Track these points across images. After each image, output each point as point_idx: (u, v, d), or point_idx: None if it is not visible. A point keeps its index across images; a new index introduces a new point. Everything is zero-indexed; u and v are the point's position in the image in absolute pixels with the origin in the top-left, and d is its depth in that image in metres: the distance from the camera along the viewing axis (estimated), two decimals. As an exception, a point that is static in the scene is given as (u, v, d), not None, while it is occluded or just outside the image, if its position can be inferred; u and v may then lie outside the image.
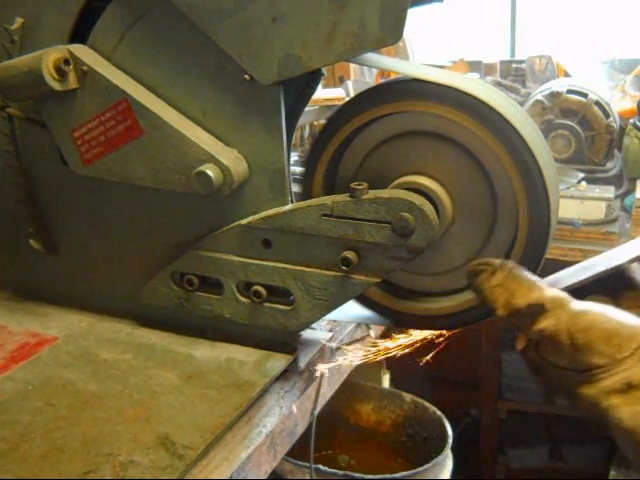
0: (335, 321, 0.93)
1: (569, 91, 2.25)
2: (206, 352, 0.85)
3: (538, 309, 0.63)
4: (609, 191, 1.98)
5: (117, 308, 0.94)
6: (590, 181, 2.08)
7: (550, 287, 0.66)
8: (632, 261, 0.75)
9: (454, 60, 2.93)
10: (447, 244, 0.80)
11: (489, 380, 2.31)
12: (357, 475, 1.54)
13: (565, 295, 0.64)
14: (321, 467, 1.53)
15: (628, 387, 0.57)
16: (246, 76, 0.74)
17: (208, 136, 0.78)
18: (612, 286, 0.74)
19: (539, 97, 2.25)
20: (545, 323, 0.62)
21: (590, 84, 2.32)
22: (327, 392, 0.91)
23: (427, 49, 3.33)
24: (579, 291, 0.72)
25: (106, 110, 0.79)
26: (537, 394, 2.25)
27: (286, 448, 0.80)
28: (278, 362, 0.83)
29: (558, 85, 2.30)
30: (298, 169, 1.28)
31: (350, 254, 0.75)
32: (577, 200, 1.92)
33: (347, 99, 0.92)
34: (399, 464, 1.82)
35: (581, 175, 2.11)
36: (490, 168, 0.76)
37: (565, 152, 2.20)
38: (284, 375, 0.83)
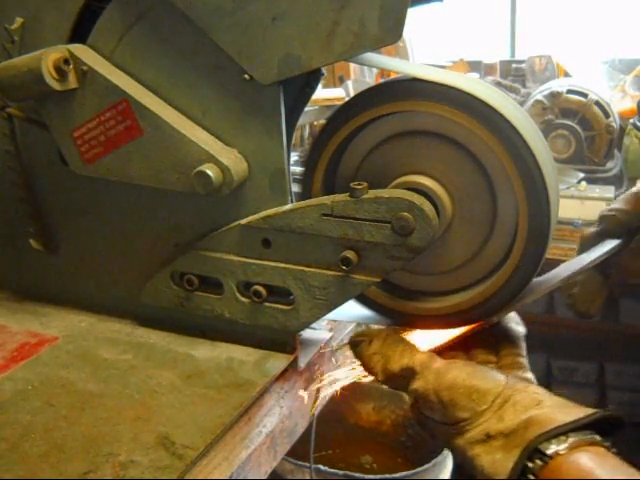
0: (335, 321, 0.93)
1: (569, 91, 2.25)
2: (206, 352, 0.85)
3: (409, 372, 0.69)
4: (609, 191, 1.98)
5: (117, 308, 0.94)
6: (590, 181, 2.09)
7: (420, 348, 0.72)
8: (562, 281, 0.78)
9: (454, 60, 2.94)
10: (447, 244, 0.80)
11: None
12: (357, 475, 1.54)
13: (433, 356, 0.70)
14: (321, 467, 1.53)
15: (487, 437, 0.62)
16: (246, 76, 0.74)
17: (208, 136, 0.78)
18: (493, 339, 0.79)
19: (539, 97, 2.26)
20: (416, 384, 0.69)
21: (590, 84, 2.32)
22: (327, 392, 0.91)
23: (427, 49, 3.34)
24: (463, 345, 0.79)
25: (106, 110, 0.79)
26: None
27: (286, 448, 0.80)
28: (278, 362, 0.83)
29: (558, 85, 2.30)
30: (298, 169, 1.28)
31: (350, 254, 0.75)
32: (577, 200, 1.92)
33: (347, 99, 0.92)
34: (399, 464, 1.82)
35: (581, 175, 2.11)
36: (490, 168, 0.76)
37: (565, 152, 2.20)
38: (284, 375, 0.83)
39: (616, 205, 0.88)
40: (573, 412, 0.61)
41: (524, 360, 0.76)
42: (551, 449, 0.58)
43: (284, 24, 0.71)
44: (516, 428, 0.61)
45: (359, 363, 0.77)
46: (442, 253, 0.80)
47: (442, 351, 0.76)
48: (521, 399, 0.63)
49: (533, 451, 0.59)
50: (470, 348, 0.78)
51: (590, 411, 0.61)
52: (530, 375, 0.73)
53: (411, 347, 0.73)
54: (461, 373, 0.67)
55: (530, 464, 0.58)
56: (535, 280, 0.78)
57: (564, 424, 0.59)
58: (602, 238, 0.87)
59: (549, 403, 0.62)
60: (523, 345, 0.78)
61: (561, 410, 0.61)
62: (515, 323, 0.81)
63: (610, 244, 0.85)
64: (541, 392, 0.65)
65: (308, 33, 0.70)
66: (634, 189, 0.89)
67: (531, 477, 0.58)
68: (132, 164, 0.81)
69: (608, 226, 0.87)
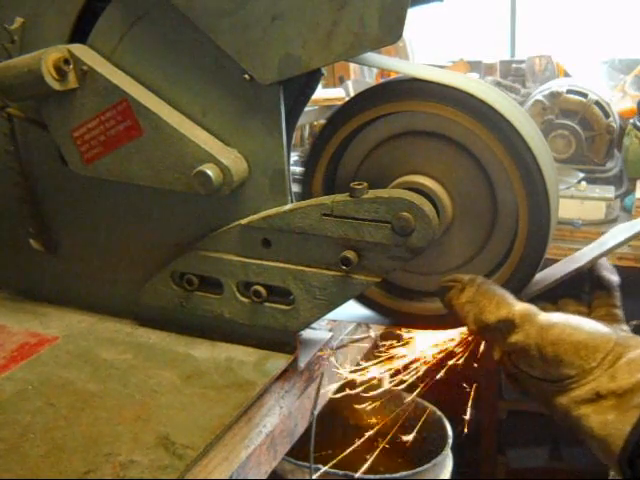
0: (335, 321, 0.93)
1: (569, 91, 2.25)
2: (206, 352, 0.85)
3: (508, 324, 0.65)
4: (609, 191, 1.98)
5: (117, 308, 0.94)
6: (590, 181, 2.08)
7: (519, 300, 0.68)
8: (590, 263, 0.74)
9: (454, 60, 2.93)
10: (447, 244, 0.80)
11: (489, 380, 2.31)
12: (357, 475, 1.54)
13: (533, 308, 0.66)
14: (321, 467, 1.53)
15: (597, 396, 0.59)
16: (246, 76, 0.74)
17: (208, 136, 0.78)
18: (582, 287, 0.74)
19: (539, 97, 2.26)
20: (515, 338, 0.64)
21: (590, 84, 2.32)
22: (327, 392, 0.91)
23: (427, 49, 3.33)
24: (550, 295, 0.74)
25: (106, 110, 0.79)
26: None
27: (286, 448, 0.80)
28: (278, 362, 0.83)
29: (558, 85, 2.30)
30: (298, 169, 1.28)
31: (350, 254, 0.75)
32: (577, 200, 1.92)
33: (347, 99, 0.92)
34: (399, 464, 1.82)
35: (581, 175, 2.11)
36: (490, 168, 0.76)
37: (565, 152, 2.20)
38: (284, 375, 0.83)
39: None
40: None
41: (619, 312, 0.71)
42: None
43: (284, 24, 0.71)
44: (632, 388, 0.58)
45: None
46: (442, 253, 0.80)
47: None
48: (636, 357, 0.59)
49: None
50: (558, 297, 0.74)
51: None
52: (626, 328, 0.69)
53: (508, 297, 0.67)
54: (567, 327, 0.62)
55: None
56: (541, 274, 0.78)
57: None
58: None
59: None
60: (617, 295, 0.73)
61: None
62: (608, 271, 0.75)
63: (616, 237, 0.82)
64: None
65: (308, 33, 0.70)
66: None
67: None
68: (132, 164, 0.81)
69: None
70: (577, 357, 0.61)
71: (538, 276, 0.77)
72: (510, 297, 0.67)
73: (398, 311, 0.84)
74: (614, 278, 0.75)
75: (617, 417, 0.57)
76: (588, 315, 0.71)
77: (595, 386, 0.59)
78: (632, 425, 0.56)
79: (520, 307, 0.66)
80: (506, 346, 0.65)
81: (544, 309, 0.68)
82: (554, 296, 0.74)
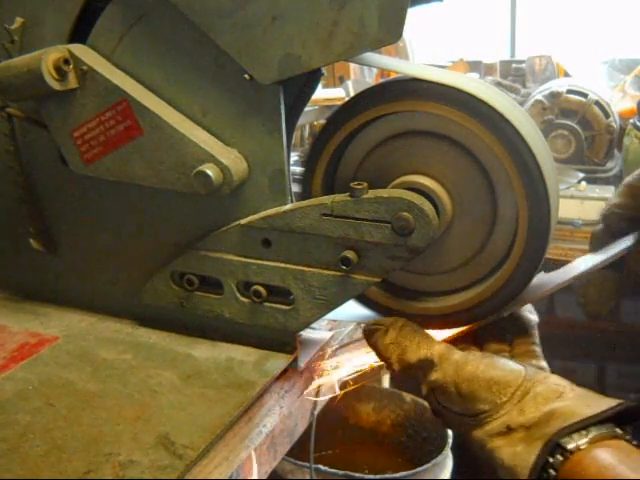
0: (335, 321, 0.93)
1: (569, 91, 2.25)
2: (206, 352, 0.85)
3: (427, 363, 0.69)
4: (609, 191, 1.98)
5: (117, 308, 0.94)
6: (590, 181, 2.08)
7: (438, 340, 0.72)
8: (551, 290, 0.77)
9: (454, 60, 2.94)
10: (447, 244, 0.80)
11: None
12: (357, 475, 1.55)
13: (450, 348, 0.70)
14: (321, 467, 1.53)
15: (508, 429, 0.62)
16: (246, 76, 0.74)
17: (208, 136, 0.78)
18: (506, 329, 0.78)
19: (539, 97, 2.26)
20: (434, 376, 0.68)
21: (590, 84, 2.32)
22: (327, 392, 0.91)
23: (427, 49, 3.34)
24: (476, 337, 0.78)
25: (106, 110, 0.79)
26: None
27: (286, 448, 0.80)
28: (278, 362, 0.83)
29: (558, 85, 2.30)
30: (298, 169, 1.28)
31: (350, 254, 0.75)
32: (577, 200, 1.92)
33: (347, 99, 0.92)
34: (399, 464, 1.82)
35: (581, 175, 2.11)
36: (490, 168, 0.76)
37: (565, 152, 2.20)
38: (284, 375, 0.83)
39: (613, 201, 0.87)
40: (595, 404, 0.60)
41: (538, 348, 0.75)
42: (572, 444, 0.58)
43: (284, 24, 0.71)
44: (538, 421, 0.61)
45: (370, 352, 0.76)
46: (442, 253, 0.80)
47: (451, 343, 0.76)
48: (542, 391, 0.63)
49: (554, 446, 0.58)
50: (482, 339, 0.78)
51: (612, 402, 0.60)
52: (544, 364, 0.73)
53: (428, 338, 0.72)
54: (480, 365, 0.66)
55: (551, 459, 0.58)
56: (539, 278, 0.78)
57: (585, 418, 0.59)
58: (612, 237, 0.86)
59: (570, 395, 0.62)
60: (536, 333, 0.77)
61: (583, 402, 0.61)
62: (527, 311, 0.79)
63: (622, 243, 0.83)
64: (561, 383, 0.64)
65: (308, 33, 0.70)
66: (626, 180, 0.87)
67: (552, 472, 0.58)
68: (132, 164, 0.81)
69: (612, 225, 0.86)
70: (490, 393, 0.64)
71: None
72: (430, 338, 0.72)
73: (398, 311, 0.84)
74: (533, 317, 0.79)
75: (524, 448, 0.61)
76: (510, 352, 0.75)
77: (506, 419, 0.63)
78: (536, 455, 0.59)
79: (438, 347, 0.70)
80: (427, 384, 0.69)
81: (467, 349, 0.73)
82: (480, 338, 0.78)
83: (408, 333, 0.73)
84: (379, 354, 0.74)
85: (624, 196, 0.86)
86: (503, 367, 0.66)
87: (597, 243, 0.87)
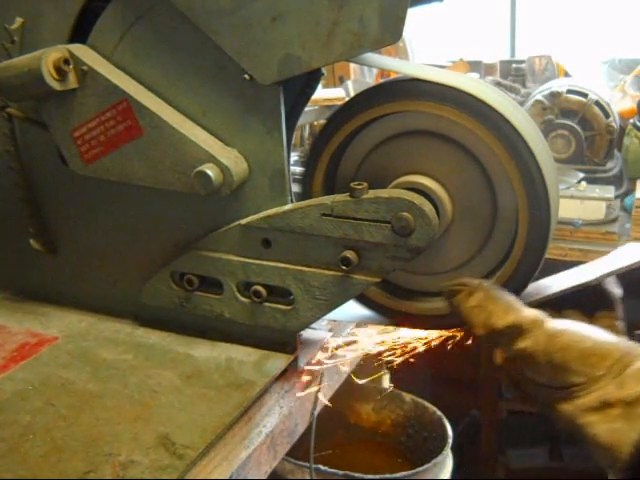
0: (335, 321, 0.93)
1: (569, 91, 2.25)
2: (206, 352, 0.85)
3: (516, 330, 0.65)
4: (609, 191, 1.98)
5: (117, 308, 0.94)
6: (590, 181, 2.08)
7: (527, 307, 0.67)
8: (602, 278, 0.74)
9: (454, 60, 2.93)
10: (447, 244, 0.80)
11: (489, 380, 2.31)
12: (357, 475, 1.54)
13: (542, 315, 0.66)
14: (321, 467, 1.53)
15: (604, 405, 0.59)
16: (246, 76, 0.74)
17: (208, 136, 0.78)
18: (587, 301, 0.75)
19: (539, 97, 2.26)
20: (523, 344, 0.64)
21: (590, 84, 2.32)
22: (327, 392, 0.91)
23: (427, 49, 3.33)
24: (554, 305, 0.73)
25: (106, 110, 0.79)
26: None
27: (286, 448, 0.80)
28: (278, 362, 0.83)
29: (558, 85, 2.30)
30: (298, 169, 1.28)
31: (350, 254, 0.75)
32: (577, 200, 1.92)
33: (347, 99, 0.92)
34: (399, 464, 1.82)
35: (581, 175, 2.11)
36: (490, 168, 0.76)
37: (565, 152, 2.20)
38: (284, 375, 0.83)
39: None
40: None
41: (621, 324, 0.72)
42: None
43: (284, 24, 0.71)
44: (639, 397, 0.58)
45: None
46: (442, 253, 0.80)
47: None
48: None
49: None
50: (559, 309, 0.74)
51: None
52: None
53: (516, 303, 0.68)
54: (575, 335, 0.63)
55: None
56: (542, 283, 0.78)
57: None
58: None
59: None
60: (620, 308, 0.74)
61: None
62: (612, 284, 0.76)
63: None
64: None
65: (308, 33, 0.70)
66: None
67: None
68: (132, 164, 0.81)
69: None
70: (585, 365, 0.61)
71: (542, 283, 0.77)
72: (518, 303, 0.68)
73: (398, 311, 0.84)
74: (617, 291, 0.75)
75: (625, 425, 0.58)
76: None
77: (602, 394, 0.60)
78: (639, 432, 0.56)
79: (529, 313, 0.66)
80: (513, 352, 0.65)
81: (550, 317, 0.68)
82: (558, 306, 0.74)
83: (495, 297, 0.68)
84: (462, 316, 0.69)
85: None
86: (600, 339, 0.62)
87: None
